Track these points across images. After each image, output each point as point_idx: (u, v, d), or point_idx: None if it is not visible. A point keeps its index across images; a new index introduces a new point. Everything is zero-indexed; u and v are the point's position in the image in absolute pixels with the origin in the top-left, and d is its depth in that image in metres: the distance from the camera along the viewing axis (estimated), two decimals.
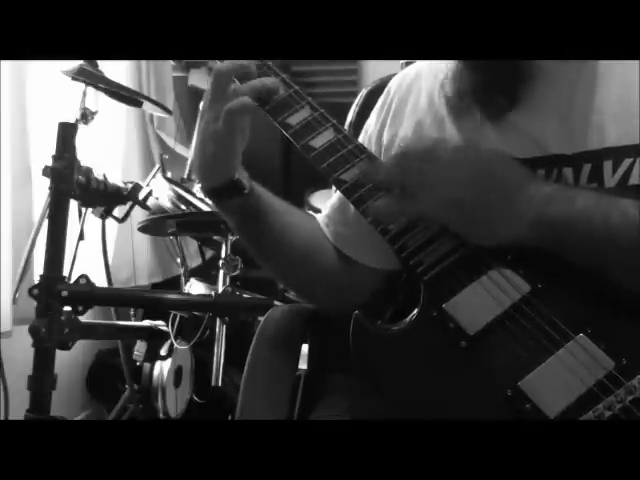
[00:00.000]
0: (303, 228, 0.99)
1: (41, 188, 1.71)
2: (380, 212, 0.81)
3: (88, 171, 1.63)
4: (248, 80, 0.85)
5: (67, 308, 1.43)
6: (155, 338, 1.77)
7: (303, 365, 1.11)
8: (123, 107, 2.07)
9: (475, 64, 0.85)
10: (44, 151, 1.63)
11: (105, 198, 1.72)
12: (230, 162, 0.87)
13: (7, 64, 1.83)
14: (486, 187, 0.76)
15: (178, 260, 2.14)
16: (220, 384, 1.74)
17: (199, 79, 2.34)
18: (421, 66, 0.99)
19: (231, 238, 1.82)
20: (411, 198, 0.78)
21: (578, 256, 0.75)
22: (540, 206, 0.75)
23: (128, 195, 1.77)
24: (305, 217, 1.04)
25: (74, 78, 1.65)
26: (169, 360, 1.93)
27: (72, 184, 1.50)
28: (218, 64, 0.85)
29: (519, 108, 0.84)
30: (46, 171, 1.48)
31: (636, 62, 0.81)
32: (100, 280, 1.78)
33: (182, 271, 2.07)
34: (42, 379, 1.41)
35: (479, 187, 0.76)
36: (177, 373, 2.02)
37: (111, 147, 2.44)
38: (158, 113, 2.27)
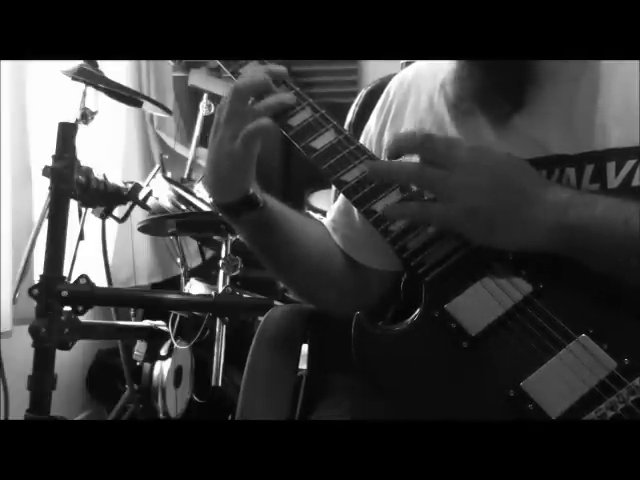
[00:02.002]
0: (314, 237, 0.98)
1: (41, 188, 1.71)
2: (394, 214, 0.80)
3: (88, 171, 1.63)
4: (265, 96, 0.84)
5: (67, 308, 1.43)
6: (155, 338, 1.77)
7: (303, 365, 1.11)
8: (123, 107, 2.07)
9: (479, 66, 0.85)
10: (44, 151, 1.63)
11: (105, 198, 1.72)
12: (245, 178, 0.87)
13: (7, 64, 1.83)
14: (503, 195, 0.75)
15: (178, 260, 2.14)
16: (220, 384, 1.74)
17: (199, 79, 2.34)
18: (420, 66, 0.99)
19: (231, 238, 1.82)
20: (428, 202, 0.77)
21: (598, 261, 0.75)
22: (559, 213, 0.74)
23: (128, 195, 1.77)
24: (314, 225, 1.03)
25: (74, 78, 1.65)
26: (169, 360, 1.93)
27: (72, 184, 1.50)
28: (237, 82, 0.84)
29: (522, 111, 0.84)
30: (46, 171, 1.48)
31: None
32: (100, 280, 1.78)
33: (182, 271, 2.07)
34: (42, 379, 1.41)
35: (496, 195, 0.75)
36: (177, 373, 2.02)
37: (111, 147, 2.44)
38: (158, 113, 2.27)
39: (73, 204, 1.60)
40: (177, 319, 1.79)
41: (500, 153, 0.79)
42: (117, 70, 2.23)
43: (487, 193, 0.75)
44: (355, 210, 0.96)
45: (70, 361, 2.28)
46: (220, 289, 1.73)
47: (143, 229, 1.96)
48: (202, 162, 2.36)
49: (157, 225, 1.90)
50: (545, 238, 0.75)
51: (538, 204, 0.75)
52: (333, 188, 1.03)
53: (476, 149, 0.79)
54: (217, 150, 0.85)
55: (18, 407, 1.50)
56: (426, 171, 0.77)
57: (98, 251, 1.88)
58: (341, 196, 1.01)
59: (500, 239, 0.76)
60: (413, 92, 0.96)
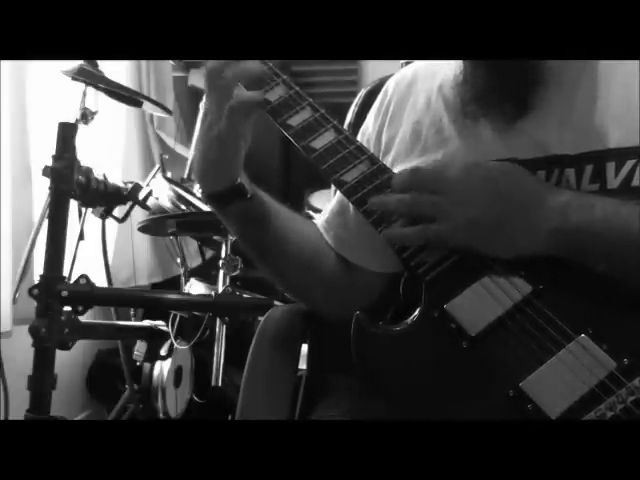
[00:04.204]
0: (304, 234, 0.98)
1: (41, 188, 1.71)
2: (397, 239, 0.81)
3: (88, 171, 1.63)
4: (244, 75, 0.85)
5: (67, 308, 1.43)
6: (155, 338, 1.77)
7: (303, 365, 1.11)
8: (123, 107, 2.07)
9: (482, 69, 0.85)
10: (44, 151, 1.63)
11: (105, 198, 1.72)
12: (233, 165, 0.87)
13: (7, 64, 1.82)
14: (502, 203, 0.76)
15: (178, 260, 2.14)
16: (220, 384, 1.74)
17: (199, 79, 2.34)
18: (418, 67, 0.99)
19: (231, 238, 1.82)
20: (427, 223, 0.78)
21: (598, 263, 0.75)
22: (560, 216, 0.75)
23: (128, 195, 1.77)
24: (306, 223, 1.03)
25: (74, 78, 1.65)
26: (169, 360, 1.93)
27: (72, 184, 1.50)
28: (208, 64, 0.85)
29: (525, 112, 0.84)
30: (46, 171, 1.48)
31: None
32: (100, 280, 1.78)
33: (182, 271, 2.07)
34: (42, 379, 1.41)
35: (495, 205, 0.76)
36: (177, 373, 2.02)
37: (111, 147, 2.44)
38: (158, 113, 2.27)
39: (73, 204, 1.60)
40: (177, 319, 1.79)
41: (492, 163, 0.80)
42: (117, 70, 2.23)
43: (482, 205, 0.76)
44: (350, 211, 0.96)
45: (70, 361, 2.28)
46: (220, 289, 1.73)
47: (143, 229, 1.96)
48: None
49: (157, 225, 1.90)
50: (547, 243, 0.75)
51: (537, 209, 0.76)
52: (333, 188, 1.03)
53: (467, 165, 0.80)
54: (205, 134, 0.86)
55: (18, 407, 1.50)
56: (418, 199, 0.79)
57: (98, 251, 1.88)
58: (335, 197, 1.01)
59: (502, 247, 0.77)
60: (411, 93, 0.96)
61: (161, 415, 1.95)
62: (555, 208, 0.75)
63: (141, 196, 1.79)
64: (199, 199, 1.82)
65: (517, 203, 0.76)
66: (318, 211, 2.22)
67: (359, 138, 1.00)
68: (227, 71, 0.83)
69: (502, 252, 0.77)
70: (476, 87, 0.86)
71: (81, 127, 1.60)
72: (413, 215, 0.79)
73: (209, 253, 2.42)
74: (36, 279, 1.47)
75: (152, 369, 1.95)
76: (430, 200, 0.78)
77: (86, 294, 1.44)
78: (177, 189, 1.87)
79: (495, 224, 0.76)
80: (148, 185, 1.84)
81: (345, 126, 1.16)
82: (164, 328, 1.78)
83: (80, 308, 1.43)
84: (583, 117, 0.82)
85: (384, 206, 0.81)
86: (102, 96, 1.76)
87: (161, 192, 1.85)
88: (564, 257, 0.75)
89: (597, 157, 0.81)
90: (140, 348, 1.76)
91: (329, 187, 1.09)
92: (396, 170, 0.87)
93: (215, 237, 2.00)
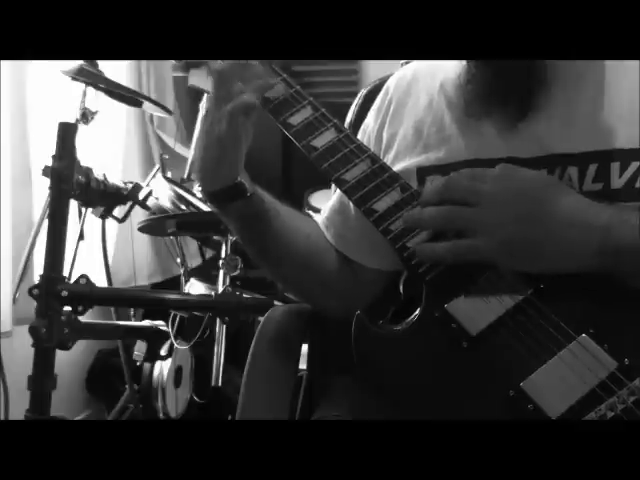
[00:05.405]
0: (305, 231, 0.98)
1: (41, 188, 1.71)
2: (428, 256, 0.79)
3: (88, 171, 1.63)
4: (251, 79, 0.85)
5: (67, 308, 1.43)
6: (155, 338, 1.77)
7: (303, 365, 1.11)
8: (123, 107, 2.07)
9: (486, 69, 0.84)
10: (44, 151, 1.63)
11: (105, 198, 1.72)
12: (234, 165, 0.87)
13: (7, 64, 1.83)
14: (537, 222, 0.74)
15: (178, 260, 2.14)
16: (220, 384, 1.74)
17: (199, 79, 2.33)
18: (419, 65, 0.99)
19: (231, 238, 1.82)
20: (458, 239, 0.76)
21: (635, 278, 0.73)
22: (603, 234, 0.73)
23: (128, 195, 1.77)
24: (306, 220, 1.03)
25: (74, 78, 1.65)
26: (169, 360, 1.93)
27: (72, 184, 1.50)
28: (218, 64, 0.85)
29: (529, 113, 0.83)
30: (46, 171, 1.48)
31: None
32: (100, 280, 1.78)
33: (182, 271, 2.07)
34: (42, 379, 1.41)
35: (529, 223, 0.74)
36: (177, 373, 2.02)
37: (111, 147, 2.44)
38: (158, 113, 2.27)
39: (73, 204, 1.60)
40: (177, 319, 1.79)
41: (529, 174, 0.78)
42: (117, 70, 2.23)
43: (518, 223, 0.74)
44: (351, 209, 0.96)
45: (70, 361, 2.28)
46: (220, 289, 1.74)
47: (143, 229, 1.96)
48: None
49: (157, 225, 1.90)
50: (591, 261, 0.74)
51: (578, 227, 0.74)
52: (333, 187, 1.03)
53: (502, 175, 0.78)
54: (207, 134, 0.86)
55: (18, 407, 1.50)
56: (453, 213, 0.77)
57: (98, 251, 1.88)
58: (336, 195, 1.01)
59: (543, 266, 0.75)
60: (412, 91, 0.96)
61: (161, 415, 1.95)
62: (597, 228, 0.73)
63: (141, 196, 1.79)
64: (199, 199, 1.82)
65: (557, 222, 0.74)
66: (318, 211, 2.21)
67: (359, 136, 1.00)
68: (245, 85, 0.83)
69: (540, 270, 0.76)
70: (479, 87, 0.86)
71: (81, 127, 1.60)
72: (447, 229, 0.78)
73: (209, 253, 2.42)
74: (36, 279, 1.47)
75: (152, 369, 1.96)
76: (465, 214, 0.76)
77: (86, 294, 1.43)
78: (177, 189, 1.87)
79: (534, 244, 0.74)
80: (148, 185, 1.84)
81: (345, 126, 1.16)
82: (164, 328, 1.78)
83: (80, 308, 1.43)
84: (587, 117, 0.82)
85: (418, 222, 0.80)
86: (102, 96, 1.76)
87: (161, 192, 1.85)
88: (615, 275, 0.74)
89: (602, 156, 0.80)
90: (140, 348, 1.75)
91: (329, 187, 1.09)
92: (396, 168, 0.87)
93: (215, 237, 2.00)
